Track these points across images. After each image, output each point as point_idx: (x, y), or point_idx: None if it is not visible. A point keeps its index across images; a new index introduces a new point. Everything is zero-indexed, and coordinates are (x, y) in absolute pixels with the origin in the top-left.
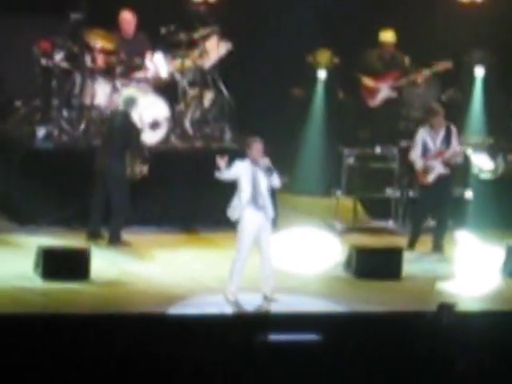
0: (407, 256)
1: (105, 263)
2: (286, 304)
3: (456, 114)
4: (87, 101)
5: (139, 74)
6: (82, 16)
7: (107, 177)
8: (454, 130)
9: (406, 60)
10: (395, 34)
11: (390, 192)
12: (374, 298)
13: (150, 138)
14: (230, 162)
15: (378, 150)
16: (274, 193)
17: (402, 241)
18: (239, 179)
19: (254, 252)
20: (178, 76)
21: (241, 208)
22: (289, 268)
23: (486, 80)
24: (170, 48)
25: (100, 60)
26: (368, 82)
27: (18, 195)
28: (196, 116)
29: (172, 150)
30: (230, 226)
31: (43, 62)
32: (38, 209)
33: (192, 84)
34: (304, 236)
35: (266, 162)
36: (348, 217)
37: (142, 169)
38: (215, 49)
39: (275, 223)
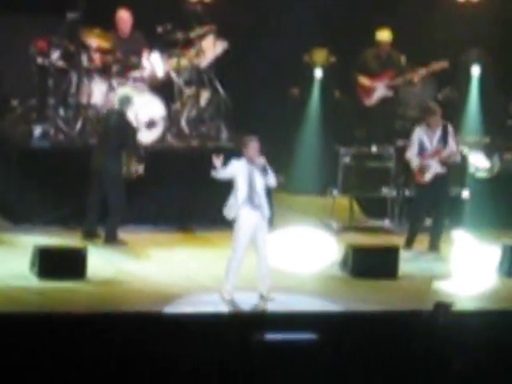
0: (403, 255)
1: (101, 262)
2: (282, 303)
3: (452, 113)
4: (83, 100)
5: (135, 73)
6: (78, 15)
7: (103, 176)
8: (450, 129)
9: (403, 59)
10: (392, 34)
11: (387, 191)
12: (371, 297)
13: (146, 137)
14: (226, 161)
15: (374, 149)
16: (269, 192)
17: (398, 240)
18: (235, 178)
19: (250, 251)
20: (174, 75)
21: (237, 207)
22: (285, 267)
23: (482, 79)
24: (167, 47)
25: (96, 59)
26: (364, 81)
27: (14, 194)
28: (192, 115)
29: (168, 149)
30: (226, 225)
31: (39, 60)
32: (34, 208)
33: (188, 83)
34: (300, 235)
35: (261, 161)
36: (344, 216)
37: (137, 168)
38: (211, 48)
39: (271, 222)
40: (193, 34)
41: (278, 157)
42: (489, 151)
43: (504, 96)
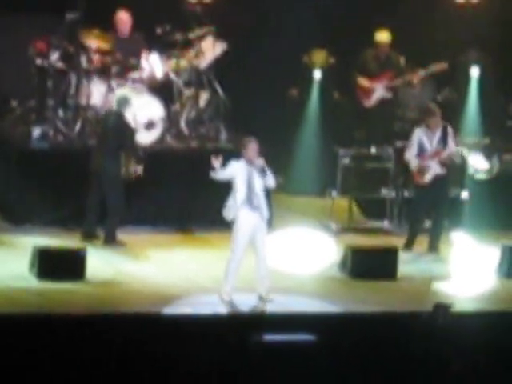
0: (403, 256)
1: (100, 263)
2: (281, 304)
3: (451, 115)
4: (83, 101)
5: (135, 74)
6: (77, 16)
7: (102, 177)
8: (450, 130)
9: (402, 60)
10: (391, 35)
11: (386, 192)
12: (370, 299)
13: (146, 138)
14: (225, 162)
15: (373, 150)
16: (268, 193)
17: (397, 241)
18: (234, 179)
19: (249, 252)
20: (173, 76)
21: (236, 208)
22: (284, 268)
23: (482, 80)
24: (166, 48)
25: (96, 60)
26: (363, 82)
27: (13, 195)
28: (191, 116)
29: (167, 150)
30: (225, 226)
31: (39, 61)
32: (33, 209)
33: (187, 84)
34: (299, 236)
35: (260, 162)
36: (343, 217)
37: (136, 169)
38: (211, 49)
39: (270, 223)
40: (192, 35)
41: (277, 158)
42: (488, 152)
43: (503, 97)
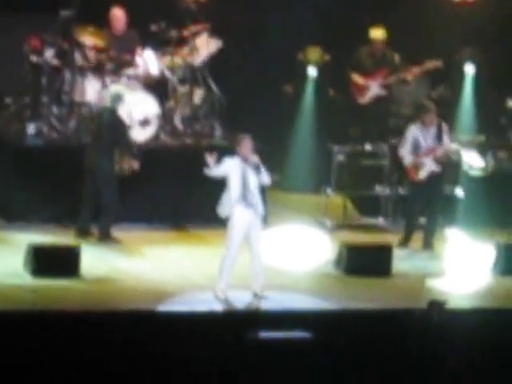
0: (397, 253)
1: (95, 260)
2: (276, 301)
3: (446, 112)
4: (77, 98)
5: (129, 71)
6: (72, 13)
7: (96, 174)
8: (445, 127)
9: (396, 58)
10: (386, 32)
11: (380, 189)
12: (364, 295)
13: (140, 135)
14: (219, 159)
15: (368, 147)
16: (263, 190)
17: (392, 238)
18: (229, 176)
19: (243, 249)
20: (168, 73)
21: (230, 205)
22: (279, 265)
23: (476, 78)
24: (160, 45)
25: (90, 57)
26: (358, 79)
27: (7, 192)
28: (186, 113)
29: (162, 147)
30: (220, 223)
31: (33, 58)
32: (27, 206)
33: (182, 81)
34: (294, 233)
35: (255, 159)
36: (338, 214)
37: (132, 164)
38: (205, 46)
39: (265, 220)
40: (186, 32)
41: (272, 155)
42: (483, 150)
43: (498, 94)
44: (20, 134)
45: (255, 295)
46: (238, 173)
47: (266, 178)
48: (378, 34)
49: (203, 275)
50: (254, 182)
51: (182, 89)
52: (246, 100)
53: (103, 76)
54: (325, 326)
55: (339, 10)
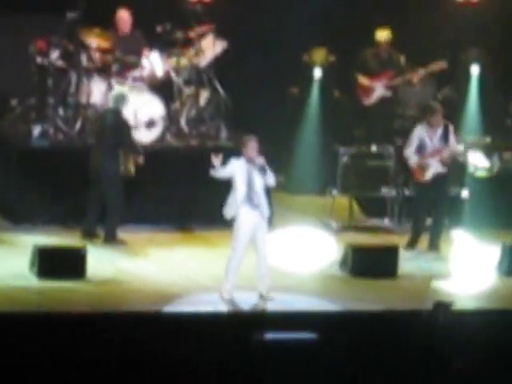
0: (403, 254)
1: (100, 262)
2: (282, 303)
3: (451, 113)
4: (83, 99)
5: (135, 73)
6: (77, 15)
7: (101, 175)
8: (451, 128)
9: (402, 59)
10: (391, 33)
11: (386, 190)
12: (370, 297)
13: (146, 136)
14: (225, 161)
15: (373, 148)
16: (269, 191)
17: (397, 239)
18: (234, 178)
19: (249, 251)
20: (173, 74)
21: (236, 206)
22: (285, 267)
23: (482, 79)
24: (166, 46)
25: (96, 58)
26: (363, 80)
27: (13, 194)
28: (192, 114)
29: (168, 149)
30: (226, 224)
31: (39, 60)
32: (33, 207)
33: (188, 82)
34: (300, 235)
35: (260, 160)
36: (344, 215)
37: (137, 159)
38: (211, 47)
39: (271, 222)
40: (192, 34)
41: (278, 156)
42: (488, 151)
43: (503, 96)
44: (25, 136)
45: (261, 296)
46: (243, 174)
47: (271, 179)
48: (383, 35)
49: (209, 276)
50: (259, 183)
51: (188, 90)
52: (252, 101)
53: (109, 77)
54: (330, 328)
55: (344, 11)
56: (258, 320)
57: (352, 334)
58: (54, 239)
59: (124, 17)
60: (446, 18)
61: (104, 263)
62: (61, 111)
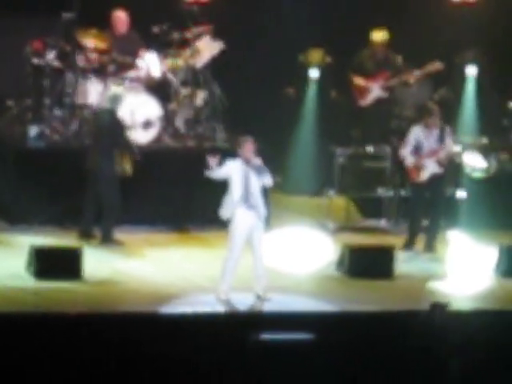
0: (400, 255)
1: (97, 262)
2: (278, 303)
3: (448, 114)
4: (79, 100)
5: (131, 73)
6: (73, 15)
7: (98, 176)
8: (448, 129)
9: (399, 60)
10: (388, 34)
11: (383, 191)
12: (367, 297)
13: (142, 137)
14: (221, 161)
15: (370, 149)
16: (266, 192)
17: (394, 240)
18: (230, 178)
19: (246, 251)
20: (170, 75)
21: (232, 207)
22: (281, 267)
23: (478, 80)
24: (163, 47)
25: (92, 59)
26: (359, 81)
27: (9, 194)
28: (188, 115)
29: (164, 149)
30: (222, 225)
31: (35, 61)
32: (30, 208)
33: (184, 83)
34: (296, 235)
35: (257, 161)
36: (340, 216)
37: (134, 157)
38: (207, 48)
39: (268, 222)
40: (189, 35)
41: (274, 157)
42: (485, 151)
43: (500, 96)
44: (22, 137)
45: (257, 297)
46: (239, 175)
47: (267, 180)
48: (379, 35)
49: (205, 277)
50: (255, 184)
51: (184, 91)
52: (248, 102)
53: (105, 78)
54: (327, 328)
55: (341, 11)
56: (255, 321)
57: (349, 334)
58: (51, 239)
59: (121, 17)
60: (443, 19)
61: (101, 264)
62: (57, 112)
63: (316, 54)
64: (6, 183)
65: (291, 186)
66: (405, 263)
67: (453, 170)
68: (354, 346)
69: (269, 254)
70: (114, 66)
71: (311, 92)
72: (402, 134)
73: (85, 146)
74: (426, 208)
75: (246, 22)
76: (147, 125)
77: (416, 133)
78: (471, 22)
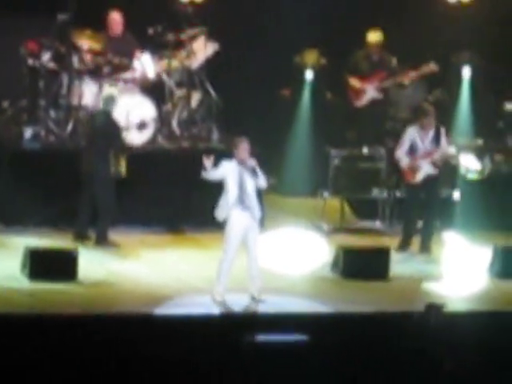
0: (395, 256)
1: (92, 264)
2: (273, 304)
3: (443, 115)
4: (74, 101)
5: (126, 75)
6: (69, 16)
7: (93, 177)
8: (443, 130)
9: (394, 61)
10: (383, 35)
11: (377, 192)
12: (361, 299)
13: (137, 138)
14: (216, 162)
15: (365, 150)
16: (260, 193)
17: (389, 241)
18: (226, 179)
19: (241, 252)
20: (165, 76)
21: (228, 208)
22: (276, 268)
23: (473, 81)
24: (158, 48)
25: (87, 60)
26: (354, 82)
27: (4, 196)
28: (183, 116)
29: (159, 151)
30: (217, 226)
31: (30, 62)
32: (24, 209)
33: (179, 84)
34: (291, 237)
35: (252, 162)
36: (335, 217)
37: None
38: (202, 49)
39: (262, 224)
40: (184, 36)
41: (269, 158)
42: (480, 153)
43: (495, 98)
44: (17, 138)
45: (252, 298)
46: (235, 176)
47: (262, 181)
48: (374, 37)
49: (200, 278)
50: (250, 185)
51: (179, 92)
52: (243, 103)
53: (100, 79)
54: (322, 329)
55: (336, 13)
56: (250, 322)
57: (343, 335)
58: (46, 241)
59: (116, 19)
60: (439, 20)
61: (95, 265)
62: (52, 113)
63: (311, 56)
64: (1, 184)
65: (286, 187)
66: (400, 264)
67: (448, 171)
68: (348, 347)
69: (264, 255)
70: (109, 67)
71: (306, 93)
72: (396, 136)
73: (80, 147)
74: (420, 209)
75: (241, 23)
76: (142, 126)
77: (411, 134)
78: (466, 23)
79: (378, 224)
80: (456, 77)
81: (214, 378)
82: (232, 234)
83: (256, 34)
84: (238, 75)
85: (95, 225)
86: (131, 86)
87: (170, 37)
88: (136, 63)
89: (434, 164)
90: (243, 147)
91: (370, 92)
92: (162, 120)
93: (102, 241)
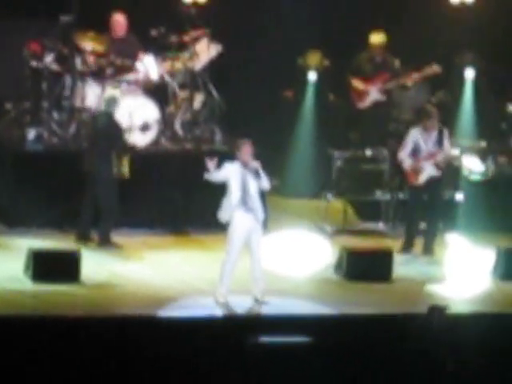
0: (398, 258)
1: (95, 265)
2: (276, 306)
3: (446, 117)
4: (77, 103)
5: (130, 76)
6: (72, 18)
7: (95, 178)
8: (446, 132)
9: (397, 63)
10: (386, 37)
11: (380, 194)
12: (365, 300)
13: (140, 139)
14: (219, 164)
15: (368, 152)
16: (263, 195)
17: (392, 243)
18: (229, 181)
19: (244, 254)
20: (168, 78)
21: (231, 210)
22: (279, 270)
23: (476, 82)
24: (161, 50)
25: (90, 62)
26: (357, 84)
27: (8, 197)
28: (186, 118)
29: (162, 152)
30: (221, 228)
31: (33, 63)
32: (28, 211)
33: (182, 86)
34: (294, 238)
35: (255, 164)
36: (338, 219)
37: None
38: (205, 51)
39: (266, 225)
40: (187, 37)
41: (272, 160)
42: (483, 155)
43: (498, 99)
44: (20, 140)
45: (256, 300)
46: (237, 178)
47: (265, 183)
48: (377, 38)
49: (203, 280)
50: (253, 186)
51: (182, 94)
52: (246, 105)
53: (103, 81)
54: (325, 331)
55: (340, 15)
56: (253, 324)
57: (347, 337)
58: (49, 242)
59: (119, 20)
60: (441, 22)
61: (99, 266)
62: (55, 115)
63: (314, 57)
64: (4, 186)
65: (289, 188)
66: (403, 266)
67: (451, 172)
68: (351, 348)
69: (267, 257)
70: (112, 68)
71: (309, 95)
72: (399, 137)
73: (83, 148)
74: (423, 211)
75: (243, 24)
76: (145, 128)
77: (414, 135)
78: (469, 24)
79: (380, 226)
80: (459, 78)
81: (218, 380)
82: (235, 235)
83: (259, 36)
84: (240, 77)
85: (98, 226)
86: (134, 88)
87: (173, 38)
88: (139, 65)
89: (437, 166)
90: (246, 149)
91: (373, 94)
92: (165, 121)
93: (104, 242)
